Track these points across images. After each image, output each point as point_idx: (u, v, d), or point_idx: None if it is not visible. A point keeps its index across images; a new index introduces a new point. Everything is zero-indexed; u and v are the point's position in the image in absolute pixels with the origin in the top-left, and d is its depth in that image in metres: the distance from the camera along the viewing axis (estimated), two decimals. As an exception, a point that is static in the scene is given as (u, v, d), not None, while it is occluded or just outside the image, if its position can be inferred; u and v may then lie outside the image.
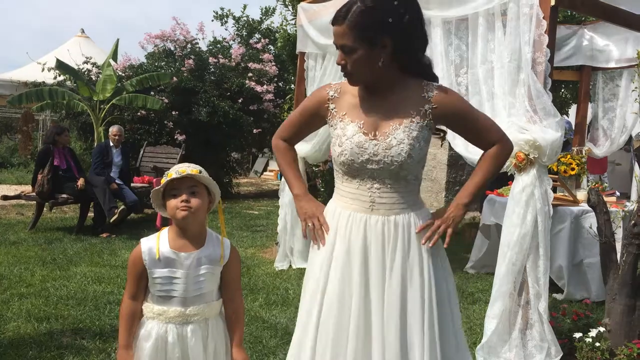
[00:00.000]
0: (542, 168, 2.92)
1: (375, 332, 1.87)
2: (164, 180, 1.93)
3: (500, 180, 5.99)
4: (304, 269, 5.15)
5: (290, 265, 5.35)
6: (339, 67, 1.92)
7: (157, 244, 1.94)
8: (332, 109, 1.98)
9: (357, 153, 1.89)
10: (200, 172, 1.94)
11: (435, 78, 1.99)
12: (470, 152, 3.19)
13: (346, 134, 1.92)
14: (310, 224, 2.01)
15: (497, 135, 1.99)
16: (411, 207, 1.96)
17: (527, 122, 2.91)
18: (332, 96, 1.99)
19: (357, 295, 1.88)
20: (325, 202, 2.09)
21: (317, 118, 2.06)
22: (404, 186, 1.94)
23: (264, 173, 16.39)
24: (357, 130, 1.91)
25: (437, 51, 3.49)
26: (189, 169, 1.92)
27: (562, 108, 6.86)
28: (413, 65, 1.93)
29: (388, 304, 1.87)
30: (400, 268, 1.89)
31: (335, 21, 1.86)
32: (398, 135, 1.88)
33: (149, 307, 1.95)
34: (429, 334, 1.86)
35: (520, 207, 2.93)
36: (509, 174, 3.06)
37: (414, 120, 1.90)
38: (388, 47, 1.84)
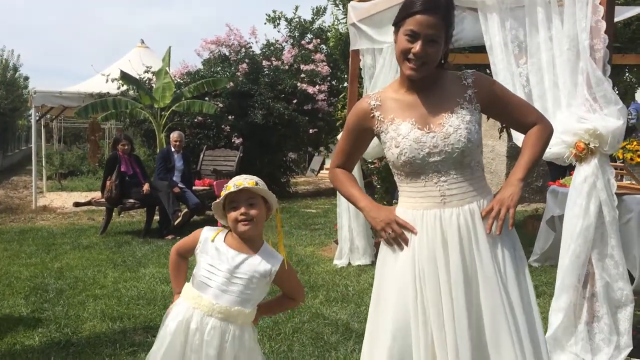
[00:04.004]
0: (603, 157, 2.83)
1: (460, 331, 1.83)
2: (223, 193, 2.01)
3: (562, 171, 5.81)
4: (363, 265, 5.26)
5: (350, 263, 5.39)
6: (394, 61, 1.95)
7: (215, 234, 2.07)
8: (379, 116, 1.97)
9: (417, 149, 1.89)
10: (257, 183, 2.01)
11: (450, 67, 2.03)
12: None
13: (400, 133, 1.91)
14: (390, 231, 1.95)
15: (537, 115, 2.02)
16: (481, 194, 1.95)
17: (587, 111, 2.83)
18: (374, 105, 1.99)
19: (446, 295, 1.86)
20: (381, 199, 2.10)
21: (364, 133, 2.04)
22: (469, 174, 1.93)
23: (321, 172, 16.51)
24: (412, 127, 1.91)
25: (496, 42, 3.43)
26: (246, 181, 1.99)
27: (626, 93, 6.58)
28: (446, 57, 1.97)
29: (488, 298, 1.84)
30: (490, 257, 1.87)
31: (423, 11, 1.81)
32: (453, 122, 1.89)
33: (188, 288, 2.08)
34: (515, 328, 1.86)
35: (582, 198, 2.85)
36: (570, 164, 2.99)
37: (463, 106, 1.92)
38: (450, 42, 1.91)
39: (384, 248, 2.03)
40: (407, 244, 1.93)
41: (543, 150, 2.00)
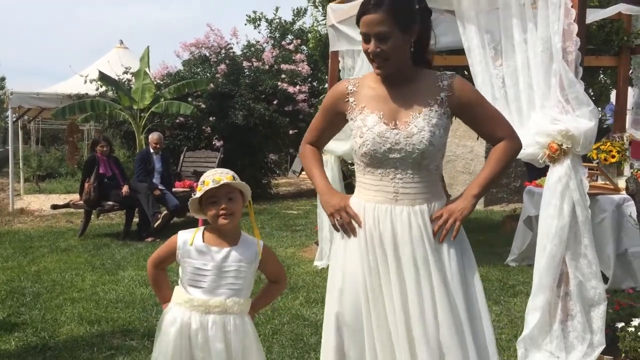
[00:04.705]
0: (576, 158, 2.88)
1: (415, 324, 1.88)
2: (200, 188, 2.02)
3: (540, 171, 5.90)
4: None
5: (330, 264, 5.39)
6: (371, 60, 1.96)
7: (192, 237, 2.07)
8: (352, 102, 2.02)
9: (379, 143, 1.92)
10: (234, 177, 2.04)
11: (431, 67, 2.04)
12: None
13: (367, 124, 1.95)
14: (338, 217, 2.01)
15: (507, 131, 2.01)
16: (434, 197, 1.98)
17: (560, 112, 2.88)
18: (351, 90, 2.03)
19: (396, 289, 1.91)
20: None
21: (337, 114, 2.08)
22: (426, 176, 1.96)
23: (302, 173, 16.50)
24: (378, 121, 1.94)
25: (473, 44, 3.47)
26: (224, 176, 2.02)
27: (601, 94, 6.69)
28: (425, 53, 1.99)
29: (438, 296, 1.88)
30: (436, 261, 1.90)
31: (368, 10, 1.88)
32: (419, 123, 1.91)
33: (180, 292, 2.08)
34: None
35: (557, 199, 2.90)
36: (544, 164, 3.03)
37: (432, 108, 1.93)
38: (416, 32, 1.91)
39: (335, 239, 2.09)
40: (354, 234, 1.98)
41: (506, 167, 2.03)
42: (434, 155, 1.95)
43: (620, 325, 2.97)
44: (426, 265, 1.90)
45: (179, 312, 2.04)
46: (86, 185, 6.90)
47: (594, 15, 5.12)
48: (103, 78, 9.49)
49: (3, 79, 26.52)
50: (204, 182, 2.03)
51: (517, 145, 2.03)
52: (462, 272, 1.94)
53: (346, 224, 2.00)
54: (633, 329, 2.90)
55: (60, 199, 9.98)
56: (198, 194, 2.04)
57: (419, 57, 1.99)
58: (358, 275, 1.96)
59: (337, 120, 2.12)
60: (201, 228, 2.11)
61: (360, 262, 1.96)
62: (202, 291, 2.03)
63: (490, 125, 2.01)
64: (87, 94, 10.35)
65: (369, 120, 1.95)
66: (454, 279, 1.92)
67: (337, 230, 2.04)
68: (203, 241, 2.06)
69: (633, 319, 2.97)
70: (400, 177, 1.94)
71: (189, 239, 2.07)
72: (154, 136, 7.70)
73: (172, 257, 2.11)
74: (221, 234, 2.07)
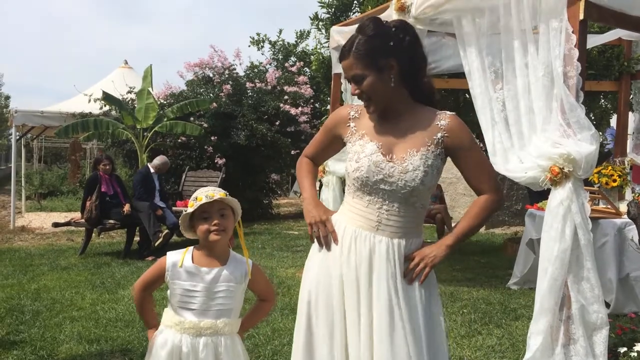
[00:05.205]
0: (577, 181, 2.89)
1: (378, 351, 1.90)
2: (192, 204, 2.03)
3: (541, 194, 5.92)
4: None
5: (331, 285, 5.37)
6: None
7: (181, 258, 2.06)
8: (353, 127, 2.06)
9: (373, 171, 1.95)
10: (226, 195, 2.07)
11: (436, 104, 2.07)
12: (510, 171, 3.17)
13: (365, 151, 1.99)
14: (315, 229, 2.05)
15: (491, 184, 2.04)
16: (413, 234, 2.01)
17: (561, 136, 2.90)
18: (352, 116, 2.08)
19: (365, 313, 1.93)
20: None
21: (336, 137, 2.13)
22: (411, 212, 1.99)
23: (304, 193, 16.47)
24: (376, 150, 1.98)
25: (474, 67, 3.50)
26: (217, 192, 2.04)
27: (602, 119, 6.73)
28: (419, 86, 2.01)
29: (408, 332, 1.91)
30: (405, 297, 1.94)
31: (342, 57, 1.98)
32: (415, 161, 1.94)
33: (169, 314, 2.07)
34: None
35: (558, 222, 2.90)
36: (545, 188, 3.05)
37: (429, 148, 1.97)
38: (395, 67, 1.95)
39: (311, 256, 2.10)
40: (327, 248, 2.02)
41: (484, 221, 2.07)
42: (423, 193, 1.99)
43: (622, 350, 2.96)
44: (397, 300, 1.92)
45: (170, 335, 2.03)
46: (88, 203, 6.91)
47: (594, 41, 5.19)
48: (106, 98, 9.57)
49: (8, 97, 26.75)
50: (196, 197, 2.04)
51: (499, 200, 2.05)
52: (427, 313, 1.97)
53: (322, 237, 2.03)
54: (635, 354, 2.88)
55: (62, 216, 9.98)
56: (190, 209, 2.04)
57: (415, 91, 2.02)
58: (331, 290, 1.98)
59: (335, 142, 2.17)
60: (190, 248, 2.11)
61: (334, 277, 1.99)
62: (192, 313, 2.03)
63: (477, 174, 2.03)
64: (90, 112, 10.42)
65: (368, 147, 1.99)
66: (420, 317, 1.94)
67: (313, 241, 2.08)
68: (192, 262, 2.06)
69: (635, 344, 2.95)
70: (386, 209, 1.98)
71: (178, 261, 2.06)
72: (160, 161, 7.69)
73: (161, 280, 2.10)
74: (211, 253, 2.07)
